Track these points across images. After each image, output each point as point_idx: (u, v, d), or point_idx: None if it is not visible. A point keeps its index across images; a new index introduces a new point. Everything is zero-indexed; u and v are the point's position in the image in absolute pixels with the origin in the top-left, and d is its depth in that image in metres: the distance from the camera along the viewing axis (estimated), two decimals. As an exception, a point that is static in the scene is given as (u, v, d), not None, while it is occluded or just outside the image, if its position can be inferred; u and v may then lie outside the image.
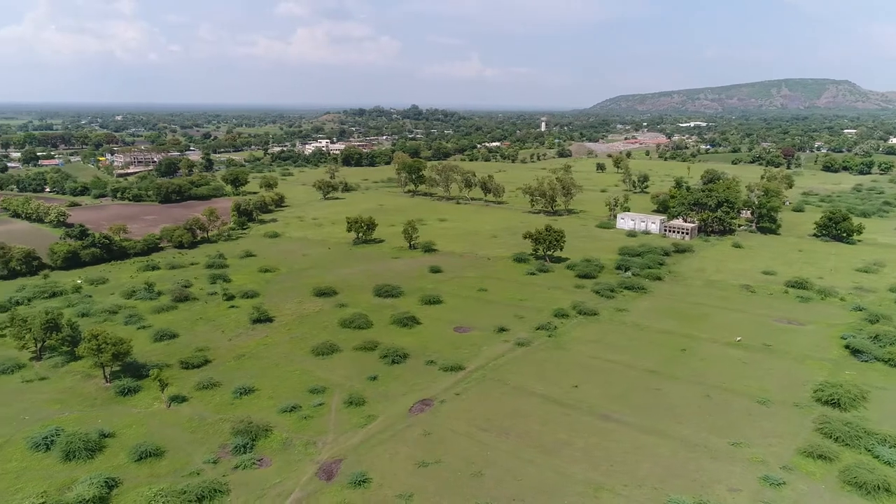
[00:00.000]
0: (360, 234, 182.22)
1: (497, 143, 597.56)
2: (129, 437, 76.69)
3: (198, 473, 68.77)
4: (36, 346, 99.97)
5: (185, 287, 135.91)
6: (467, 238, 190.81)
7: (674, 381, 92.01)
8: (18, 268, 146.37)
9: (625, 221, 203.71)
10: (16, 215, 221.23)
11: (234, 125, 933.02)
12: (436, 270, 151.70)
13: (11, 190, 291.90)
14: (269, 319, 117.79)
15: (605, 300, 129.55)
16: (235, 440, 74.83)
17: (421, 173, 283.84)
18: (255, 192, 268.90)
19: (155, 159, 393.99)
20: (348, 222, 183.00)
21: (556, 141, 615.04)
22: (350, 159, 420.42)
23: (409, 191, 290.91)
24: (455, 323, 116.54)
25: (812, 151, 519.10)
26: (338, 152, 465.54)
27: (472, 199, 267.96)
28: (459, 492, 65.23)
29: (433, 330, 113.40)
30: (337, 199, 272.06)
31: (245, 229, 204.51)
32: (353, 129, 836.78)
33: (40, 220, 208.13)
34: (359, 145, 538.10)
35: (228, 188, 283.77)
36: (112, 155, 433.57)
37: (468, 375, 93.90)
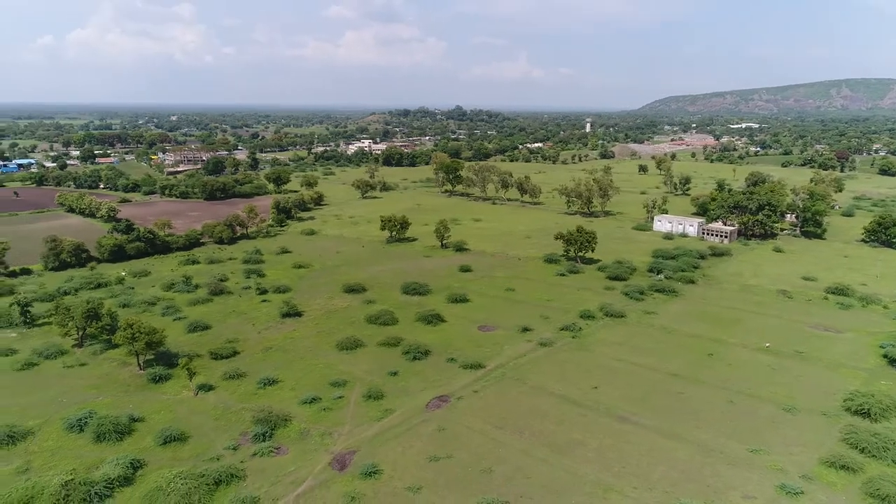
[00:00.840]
0: (394, 233, 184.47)
1: (539, 144, 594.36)
2: (156, 421, 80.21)
3: (217, 459, 71.52)
4: (77, 334, 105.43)
5: (221, 281, 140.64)
6: (500, 238, 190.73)
7: (697, 386, 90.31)
8: (68, 259, 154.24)
9: (662, 224, 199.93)
10: (70, 210, 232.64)
11: (282, 125, 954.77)
12: (465, 269, 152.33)
13: (69, 186, 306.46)
14: (299, 314, 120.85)
15: (633, 302, 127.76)
16: (255, 428, 77.38)
17: (458, 173, 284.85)
18: (295, 191, 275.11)
19: (203, 158, 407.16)
20: (382, 221, 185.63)
21: (600, 142, 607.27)
22: (391, 159, 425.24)
23: (447, 191, 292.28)
24: (480, 322, 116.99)
25: (869, 154, 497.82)
26: (379, 152, 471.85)
27: (509, 199, 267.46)
28: (468, 487, 65.85)
29: (457, 328, 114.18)
30: (375, 198, 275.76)
31: (283, 226, 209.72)
32: (397, 129, 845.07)
33: (92, 215, 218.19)
34: (401, 145, 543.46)
35: (271, 186, 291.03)
36: (164, 154, 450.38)
37: (488, 374, 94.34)
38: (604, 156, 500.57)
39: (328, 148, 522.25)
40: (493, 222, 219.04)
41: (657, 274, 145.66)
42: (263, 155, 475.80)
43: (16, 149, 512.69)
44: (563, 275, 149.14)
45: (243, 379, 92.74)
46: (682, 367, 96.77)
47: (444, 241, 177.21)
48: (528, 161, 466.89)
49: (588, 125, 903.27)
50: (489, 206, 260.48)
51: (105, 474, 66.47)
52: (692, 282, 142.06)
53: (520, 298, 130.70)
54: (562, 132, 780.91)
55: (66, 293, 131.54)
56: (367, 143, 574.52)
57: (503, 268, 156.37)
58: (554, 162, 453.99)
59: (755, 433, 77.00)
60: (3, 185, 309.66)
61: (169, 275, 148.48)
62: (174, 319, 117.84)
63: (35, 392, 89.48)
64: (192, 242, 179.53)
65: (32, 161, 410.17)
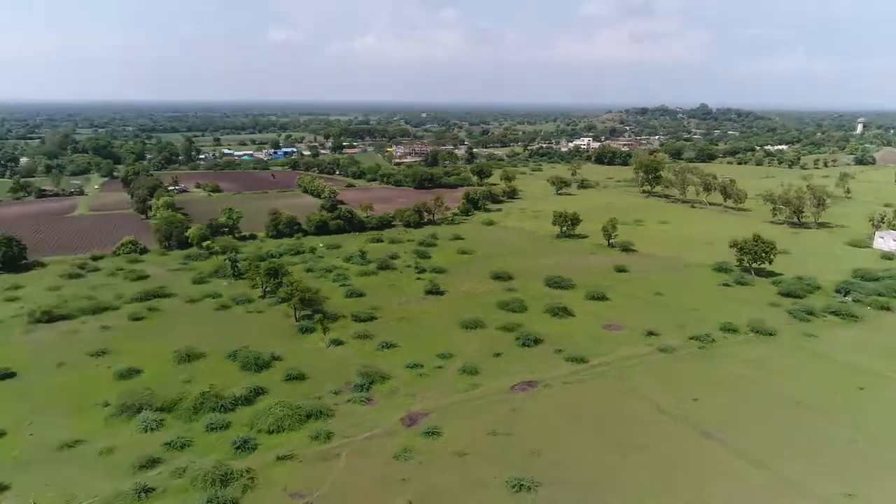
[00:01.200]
0: (564, 229, 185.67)
1: (782, 147, 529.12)
2: (290, 362, 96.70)
3: (319, 398, 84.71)
4: (262, 288, 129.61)
5: (391, 258, 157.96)
6: (678, 242, 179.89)
7: (820, 417, 79.54)
8: (283, 230, 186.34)
9: (884, 241, 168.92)
10: (305, 191, 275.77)
11: (515, 122, 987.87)
12: (621, 270, 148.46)
13: (314, 171, 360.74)
14: (441, 293, 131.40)
15: (795, 322, 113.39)
16: (358, 380, 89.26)
17: (658, 174, 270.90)
18: (495, 184, 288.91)
19: (426, 151, 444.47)
20: (554, 216, 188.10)
21: (862, 146, 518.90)
22: (603, 157, 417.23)
23: (645, 191, 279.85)
24: (608, 321, 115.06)
25: None
26: (592, 150, 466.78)
27: (711, 203, 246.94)
28: (509, 462, 69.03)
29: (582, 323, 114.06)
30: (569, 195, 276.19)
31: (469, 216, 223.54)
32: (627, 128, 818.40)
33: (318, 196, 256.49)
34: (624, 144, 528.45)
35: (474, 179, 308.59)
36: (396, 146, 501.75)
37: (589, 368, 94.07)
38: (861, 161, 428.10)
39: (544, 145, 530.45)
40: (680, 226, 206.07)
41: (843, 295, 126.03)
42: (484, 150, 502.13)
43: (289, 139, 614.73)
44: (727, 285, 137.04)
45: (369, 340, 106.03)
46: (813, 395, 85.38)
47: (610, 241, 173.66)
48: (759, 164, 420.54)
49: (859, 126, 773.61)
50: (686, 209, 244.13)
51: (233, 393, 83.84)
52: (887, 308, 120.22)
53: (664, 303, 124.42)
54: (820, 133, 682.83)
55: (272, 255, 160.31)
56: (586, 140, 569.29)
57: (663, 271, 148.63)
58: (791, 166, 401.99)
59: (862, 477, 66.48)
60: (268, 168, 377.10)
61: (353, 249, 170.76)
62: (340, 285, 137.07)
63: (219, 327, 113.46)
64: (384, 224, 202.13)
65: (294, 150, 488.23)
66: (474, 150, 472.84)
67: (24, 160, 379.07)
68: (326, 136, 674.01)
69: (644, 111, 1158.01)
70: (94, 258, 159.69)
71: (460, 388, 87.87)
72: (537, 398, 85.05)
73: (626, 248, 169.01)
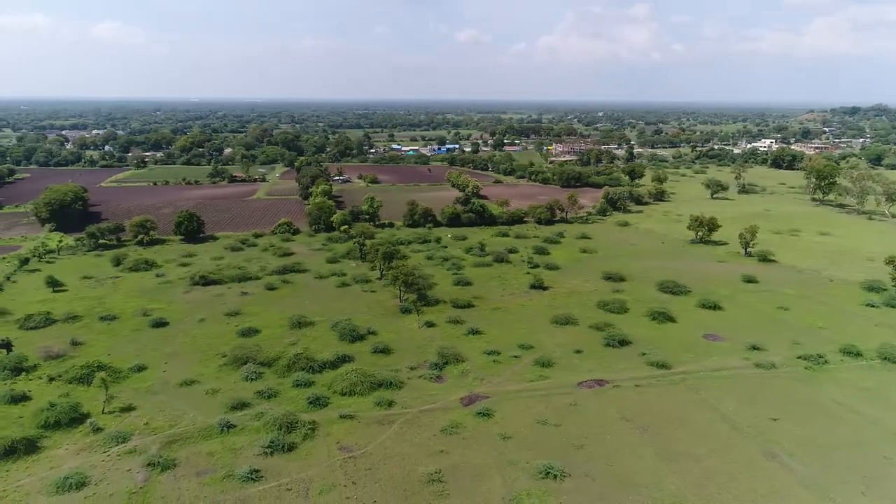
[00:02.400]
0: (700, 234, 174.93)
1: None
2: (382, 337, 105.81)
3: (396, 371, 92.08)
4: (380, 270, 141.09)
5: (510, 252, 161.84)
6: (830, 256, 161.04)
7: (923, 461, 69.59)
8: (418, 220, 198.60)
9: None
10: (453, 185, 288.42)
11: (696, 122, 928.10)
12: (750, 280, 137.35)
13: (469, 167, 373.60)
14: (544, 288, 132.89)
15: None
16: (434, 359, 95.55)
17: (832, 180, 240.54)
18: (643, 185, 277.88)
19: (584, 149, 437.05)
20: (690, 220, 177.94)
21: None
22: (780, 161, 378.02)
23: (816, 199, 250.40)
24: (712, 330, 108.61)
25: None
26: (770, 152, 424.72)
27: (895, 216, 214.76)
28: (548, 450, 70.62)
29: (681, 330, 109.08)
30: (725, 199, 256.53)
31: (605, 216, 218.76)
32: (827, 129, 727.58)
33: (463, 190, 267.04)
34: (817, 148, 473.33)
35: (625, 179, 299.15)
36: (557, 145, 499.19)
37: (667, 375, 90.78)
38: None
39: (716, 147, 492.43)
40: (843, 238, 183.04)
41: None
42: (650, 150, 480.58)
43: (457, 136, 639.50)
44: (871, 305, 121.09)
45: (459, 325, 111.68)
46: (923, 433, 74.69)
47: (747, 249, 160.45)
48: None
49: None
50: (860, 220, 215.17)
51: (323, 358, 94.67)
52: None
53: (784, 319, 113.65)
54: None
55: (399, 242, 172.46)
56: (767, 142, 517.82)
57: (798, 285, 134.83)
58: None
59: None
60: (428, 163, 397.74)
61: (476, 242, 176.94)
62: (452, 273, 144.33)
63: (335, 301, 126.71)
64: (515, 220, 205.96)
65: (457, 146, 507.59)
66: (638, 150, 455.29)
67: (227, 150, 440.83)
68: (492, 134, 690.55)
69: (855, 111, 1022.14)
70: (256, 235, 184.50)
71: (528, 378, 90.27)
72: (601, 396, 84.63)
73: (765, 258, 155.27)
